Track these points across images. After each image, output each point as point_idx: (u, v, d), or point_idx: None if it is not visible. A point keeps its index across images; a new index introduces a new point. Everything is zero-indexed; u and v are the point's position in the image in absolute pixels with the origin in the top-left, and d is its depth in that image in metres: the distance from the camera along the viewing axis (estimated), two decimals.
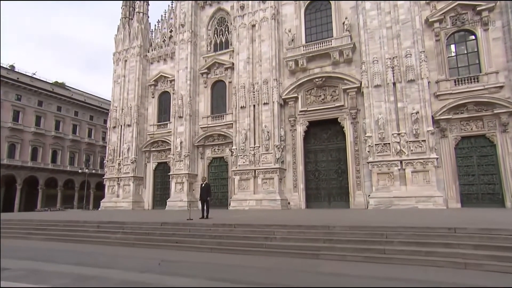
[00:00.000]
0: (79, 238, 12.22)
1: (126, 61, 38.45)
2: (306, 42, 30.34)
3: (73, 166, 53.26)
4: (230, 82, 33.47)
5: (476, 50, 24.25)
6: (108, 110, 39.30)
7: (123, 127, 37.08)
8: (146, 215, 19.91)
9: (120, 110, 37.55)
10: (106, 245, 11.16)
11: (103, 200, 37.34)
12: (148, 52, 38.93)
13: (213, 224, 11.72)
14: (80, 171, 50.10)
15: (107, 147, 38.11)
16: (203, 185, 16.24)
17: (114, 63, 39.40)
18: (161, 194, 35.93)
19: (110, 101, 40.23)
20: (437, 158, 23.29)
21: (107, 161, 37.26)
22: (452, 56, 25.10)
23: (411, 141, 24.06)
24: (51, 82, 54.68)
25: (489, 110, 22.82)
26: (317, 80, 28.83)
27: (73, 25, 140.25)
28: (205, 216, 15.08)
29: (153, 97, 37.91)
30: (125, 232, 12.45)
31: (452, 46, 25.22)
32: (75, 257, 8.95)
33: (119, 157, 36.57)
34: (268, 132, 29.02)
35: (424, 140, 23.64)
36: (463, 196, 23.41)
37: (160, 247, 10.39)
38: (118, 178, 36.26)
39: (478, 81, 23.49)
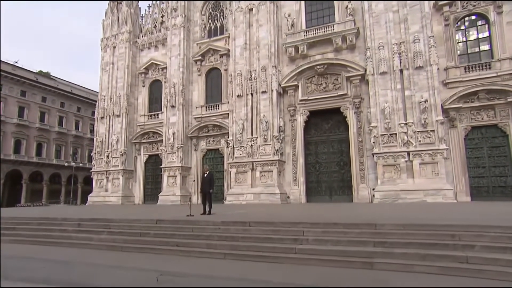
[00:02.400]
0: (54, 240, 10.23)
1: (114, 47, 36.19)
2: (306, 27, 28.67)
3: (59, 159, 50.84)
4: (225, 70, 31.64)
5: (488, 35, 22.94)
6: (96, 101, 37.06)
7: (111, 117, 34.97)
8: (137, 211, 18.14)
9: (109, 100, 35.40)
10: (87, 249, 9.27)
11: (90, 195, 35.30)
12: (138, 38, 36.73)
13: (221, 222, 9.76)
14: (66, 164, 47.76)
15: (94, 139, 35.97)
16: (205, 175, 14.06)
17: (101, 49, 37.08)
18: (153, 188, 34.09)
19: (98, 92, 37.96)
20: (446, 149, 22.02)
21: (95, 153, 35.17)
22: (462, 42, 23.74)
23: (419, 131, 22.74)
24: (35, 71, 51.89)
25: (502, 99, 21.59)
26: (318, 67, 27.24)
27: (60, 17, 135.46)
28: (207, 212, 13.23)
29: (143, 86, 35.84)
30: (112, 232, 10.52)
31: (462, 31, 23.84)
32: (43, 268, 7.01)
33: (108, 149, 34.52)
34: (266, 122, 27.39)
35: (433, 130, 22.34)
36: (473, 189, 22.24)
37: (156, 252, 8.47)
38: (106, 171, 34.25)
39: (490, 68, 22.22)
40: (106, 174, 34.23)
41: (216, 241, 8.68)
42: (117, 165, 33.80)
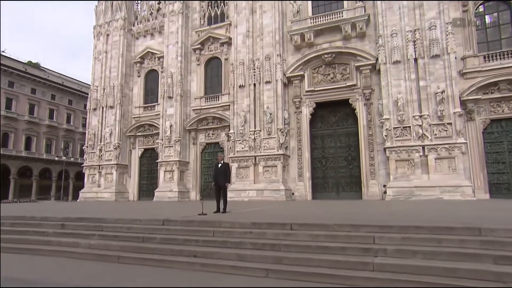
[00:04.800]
0: (27, 246, 8.20)
1: (108, 35, 34.15)
2: (313, 14, 27.03)
3: (49, 154, 48.63)
4: (226, 59, 29.90)
5: (509, 21, 21.55)
6: (88, 94, 34.96)
7: (104, 109, 33.02)
8: (134, 208, 16.36)
9: (102, 90, 33.42)
10: (71, 259, 7.18)
11: (82, 191, 33.37)
12: (133, 25, 34.72)
13: (252, 223, 7.70)
14: (57, 159, 45.63)
15: (86, 132, 34.00)
16: (219, 164, 11.53)
17: (94, 37, 35.00)
18: (148, 184, 32.31)
19: (90, 84, 35.92)
20: (465, 143, 20.65)
21: (87, 147, 33.21)
22: (481, 29, 22.32)
23: (434, 124, 21.33)
24: (24, 61, 49.49)
25: None
26: (326, 56, 25.65)
27: (52, 9, 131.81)
28: (221, 210, 11.17)
29: (138, 76, 33.91)
30: (105, 235, 8.36)
31: (482, 17, 22.42)
32: None
33: (100, 142, 32.60)
34: (270, 114, 25.76)
35: (450, 123, 20.94)
36: (492, 186, 20.93)
37: (165, 264, 6.35)
38: (99, 166, 32.35)
39: None
40: (99, 169, 32.34)
41: (250, 251, 6.56)
42: (110, 159, 31.93)
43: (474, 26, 22.10)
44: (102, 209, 16.08)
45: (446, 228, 6.36)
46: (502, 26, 21.77)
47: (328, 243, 6.50)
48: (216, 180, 11.43)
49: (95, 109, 33.53)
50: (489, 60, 21.43)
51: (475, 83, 21.28)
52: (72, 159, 48.94)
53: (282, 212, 11.93)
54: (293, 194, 25.67)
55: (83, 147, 34.38)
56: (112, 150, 31.94)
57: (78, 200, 33.46)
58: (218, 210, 11.18)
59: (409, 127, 21.92)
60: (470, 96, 21.36)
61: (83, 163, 34.13)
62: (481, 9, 22.40)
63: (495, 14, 22.01)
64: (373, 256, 5.81)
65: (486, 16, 22.26)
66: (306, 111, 26.36)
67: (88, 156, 33.05)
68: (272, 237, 7.03)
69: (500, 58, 21.11)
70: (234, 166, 26.46)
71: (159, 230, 8.33)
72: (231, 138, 27.00)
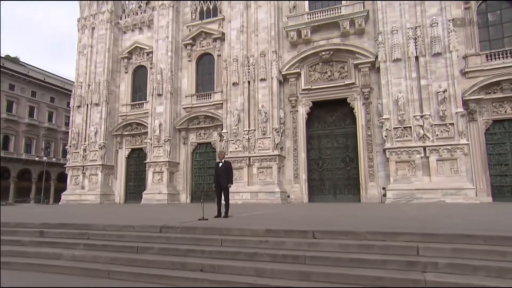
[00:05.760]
0: None
1: (93, 28, 32.38)
2: (310, 10, 26.11)
3: (29, 154, 46.14)
4: (219, 56, 28.65)
5: None
6: (71, 91, 32.95)
7: (89, 106, 31.24)
8: (122, 212, 14.90)
9: (86, 87, 31.63)
10: (50, 275, 6.08)
11: (64, 193, 31.46)
12: (121, 19, 33.05)
13: (267, 230, 6.66)
14: (37, 159, 43.26)
15: (70, 130, 32.11)
16: (221, 164, 10.18)
17: (78, 30, 33.16)
18: (135, 186, 30.71)
19: (74, 82, 34.05)
20: (467, 144, 20.03)
21: (70, 146, 31.35)
22: (483, 27, 21.78)
23: (436, 125, 20.68)
24: (1, 56, 46.86)
25: None
26: (323, 53, 24.73)
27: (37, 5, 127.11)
28: (222, 214, 9.96)
29: (126, 72, 32.27)
30: (92, 245, 7.27)
31: (484, 15, 21.90)
32: None
33: (85, 142, 30.80)
34: (265, 113, 24.67)
35: (452, 124, 20.33)
36: (494, 188, 20.37)
37: (167, 281, 5.41)
38: (83, 166, 30.55)
39: None
40: (83, 170, 30.54)
41: (268, 264, 5.50)
42: (95, 160, 30.18)
43: (476, 24, 21.54)
44: (87, 213, 14.61)
45: (503, 238, 5.32)
46: (505, 24, 21.29)
47: (362, 254, 5.50)
48: (217, 180, 10.12)
49: (79, 107, 31.71)
50: (491, 59, 20.92)
51: (477, 82, 20.71)
52: (54, 159, 46.50)
53: (289, 216, 10.87)
54: (288, 196, 24.64)
55: (66, 147, 32.51)
56: (97, 150, 30.21)
57: (59, 203, 31.54)
58: (219, 215, 9.97)
59: (410, 127, 21.23)
60: (472, 96, 20.78)
61: (65, 164, 32.23)
62: (483, 6, 21.85)
63: (498, 12, 21.48)
64: (421, 271, 4.84)
65: (488, 14, 21.71)
66: (303, 110, 25.39)
67: (71, 156, 31.20)
68: (293, 247, 6.01)
69: (503, 57, 20.61)
70: None
71: (156, 239, 7.20)
72: (224, 138, 25.79)
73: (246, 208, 15.65)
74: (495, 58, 20.81)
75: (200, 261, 5.87)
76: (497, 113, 20.65)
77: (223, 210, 10.01)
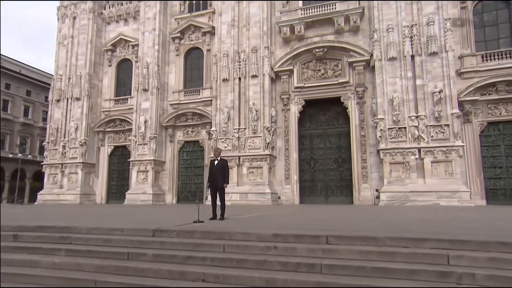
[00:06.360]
0: None
1: (75, 18, 30.62)
2: (304, 5, 25.32)
3: (3, 150, 43.48)
4: (208, 50, 27.52)
5: (507, 20, 20.84)
6: (50, 85, 30.99)
7: (70, 100, 29.54)
8: (106, 213, 13.61)
9: (67, 80, 29.89)
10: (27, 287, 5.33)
11: (41, 192, 29.65)
12: (104, 9, 31.39)
13: (273, 235, 6.01)
14: (11, 156, 40.83)
15: (48, 125, 30.28)
16: (216, 162, 9.30)
17: (58, 19, 31.30)
18: (118, 185, 29.25)
19: (53, 75, 32.16)
20: (462, 146, 19.68)
21: (48, 143, 29.55)
22: (479, 27, 21.48)
23: (431, 126, 20.28)
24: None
25: None
26: (317, 50, 24.00)
27: None
28: (218, 216, 9.13)
29: (109, 66, 30.70)
30: (75, 251, 6.43)
31: (480, 15, 21.60)
32: None
33: (64, 138, 29.10)
34: (256, 111, 23.75)
35: (448, 125, 19.96)
36: (488, 191, 20.12)
37: None
38: (62, 164, 28.85)
39: (511, 57, 20.08)
40: (62, 168, 28.85)
41: (280, 273, 4.86)
42: (75, 157, 28.54)
43: (472, 24, 21.21)
44: (68, 214, 13.36)
45: None
46: (501, 25, 21.05)
47: (386, 263, 4.87)
48: (212, 180, 9.22)
49: (58, 101, 29.94)
50: (487, 60, 20.66)
51: (473, 83, 20.42)
52: (29, 156, 43.93)
53: (289, 219, 10.23)
54: (279, 198, 23.85)
55: (44, 143, 30.66)
56: (77, 147, 28.58)
57: (35, 203, 29.69)
58: (214, 217, 9.19)
59: (405, 128, 20.77)
60: (468, 97, 20.47)
61: (42, 161, 30.40)
62: (479, 6, 21.54)
63: (494, 12, 21.22)
64: (456, 283, 4.31)
65: (484, 14, 21.42)
66: (295, 109, 24.61)
67: (49, 154, 29.43)
68: (306, 253, 5.37)
69: (499, 58, 20.37)
70: None
71: (150, 244, 6.41)
72: (213, 136, 24.75)
73: (238, 210, 14.71)
74: (490, 59, 20.56)
75: (201, 270, 5.15)
76: (492, 115, 20.41)
77: (218, 212, 9.21)
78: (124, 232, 7.03)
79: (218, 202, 9.32)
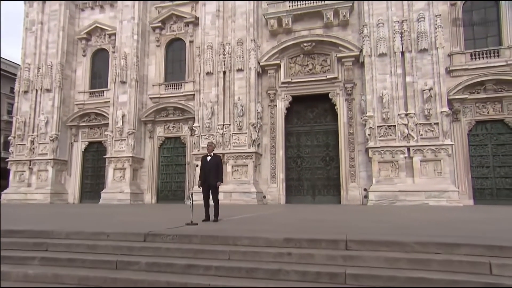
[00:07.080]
0: None
1: (44, 1, 28.25)
2: None
3: None
4: (191, 42, 26.11)
5: (496, 18, 20.73)
6: (16, 75, 28.51)
7: (39, 92, 27.30)
8: (84, 214, 12.07)
9: (36, 69, 27.61)
10: None
11: (6, 191, 27.30)
12: None
13: (285, 239, 5.26)
14: None
15: (14, 119, 27.92)
16: (209, 158, 8.50)
17: (25, 3, 28.83)
18: (93, 184, 27.38)
19: (19, 64, 29.67)
20: (452, 145, 19.43)
21: (14, 137, 27.23)
22: (468, 25, 21.27)
23: (421, 124, 19.92)
24: None
25: (511, 91, 19.51)
26: (305, 44, 23.16)
27: None
28: (211, 218, 8.33)
29: (84, 55, 28.63)
30: (51, 259, 5.50)
31: (469, 13, 21.39)
32: None
33: (33, 132, 26.89)
34: (242, 107, 22.69)
35: (437, 123, 19.65)
36: (475, 191, 20.01)
37: None
38: (30, 161, 26.66)
39: (499, 56, 20.00)
40: (30, 165, 26.66)
41: (298, 283, 4.27)
42: (45, 153, 26.42)
43: (461, 21, 20.98)
44: (40, 215, 11.86)
45: None
46: (489, 23, 20.89)
47: (420, 272, 4.29)
48: (205, 178, 8.33)
49: (26, 92, 27.61)
50: (476, 58, 20.49)
51: (462, 81, 20.21)
52: None
53: (285, 219, 9.55)
54: (264, 197, 22.96)
55: (9, 138, 28.24)
56: (48, 143, 26.47)
57: None
58: (207, 218, 8.34)
59: (394, 126, 20.33)
60: (457, 95, 20.25)
61: (7, 158, 28.05)
62: (468, 4, 21.32)
63: (482, 10, 21.06)
64: None
65: (473, 12, 21.23)
66: (282, 105, 23.71)
67: (15, 149, 27.12)
68: (325, 261, 4.75)
69: (487, 57, 20.23)
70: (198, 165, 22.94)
71: (141, 250, 5.55)
72: (196, 132, 23.49)
73: (226, 210, 13.63)
74: (479, 58, 20.40)
75: (206, 281, 4.45)
76: (480, 113, 20.29)
77: (211, 212, 8.37)
78: (110, 237, 6.12)
79: (211, 202, 8.46)
